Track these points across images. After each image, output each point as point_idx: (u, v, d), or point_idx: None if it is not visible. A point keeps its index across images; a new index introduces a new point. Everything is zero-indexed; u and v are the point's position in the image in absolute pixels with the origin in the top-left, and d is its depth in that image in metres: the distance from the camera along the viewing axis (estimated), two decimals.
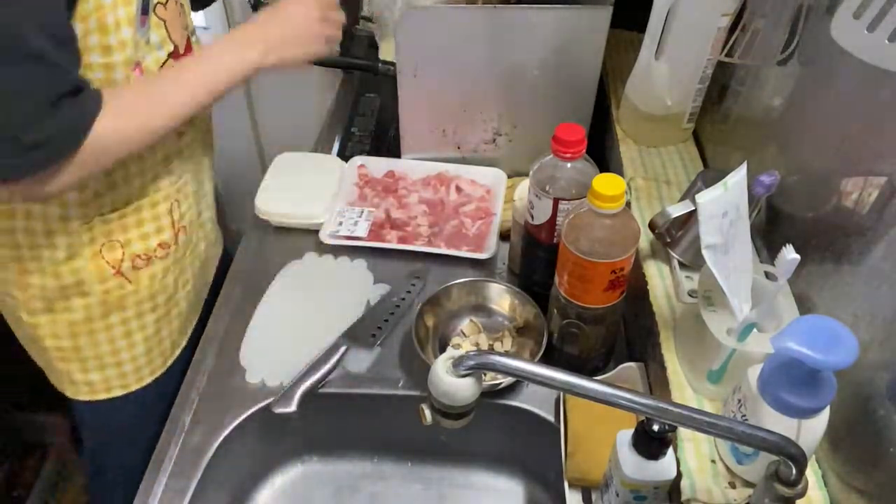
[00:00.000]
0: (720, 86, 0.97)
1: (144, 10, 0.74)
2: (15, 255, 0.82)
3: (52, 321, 0.87)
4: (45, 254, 0.82)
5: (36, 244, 0.81)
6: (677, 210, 0.81)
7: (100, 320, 0.89)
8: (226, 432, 0.84)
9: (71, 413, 1.00)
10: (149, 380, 0.96)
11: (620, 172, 0.97)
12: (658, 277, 0.84)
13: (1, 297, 0.89)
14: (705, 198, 0.60)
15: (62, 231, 0.81)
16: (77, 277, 0.84)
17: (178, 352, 1.00)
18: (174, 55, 0.81)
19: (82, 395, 0.94)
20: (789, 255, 0.59)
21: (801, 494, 0.53)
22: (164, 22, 0.79)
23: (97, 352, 0.91)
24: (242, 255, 1.07)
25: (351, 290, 0.99)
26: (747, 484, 0.65)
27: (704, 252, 0.62)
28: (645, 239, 0.87)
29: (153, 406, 0.95)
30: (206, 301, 1.06)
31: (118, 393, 0.95)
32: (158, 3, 0.77)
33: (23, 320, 0.88)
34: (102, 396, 0.94)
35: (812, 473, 0.64)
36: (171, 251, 0.92)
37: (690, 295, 0.80)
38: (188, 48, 0.85)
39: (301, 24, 0.85)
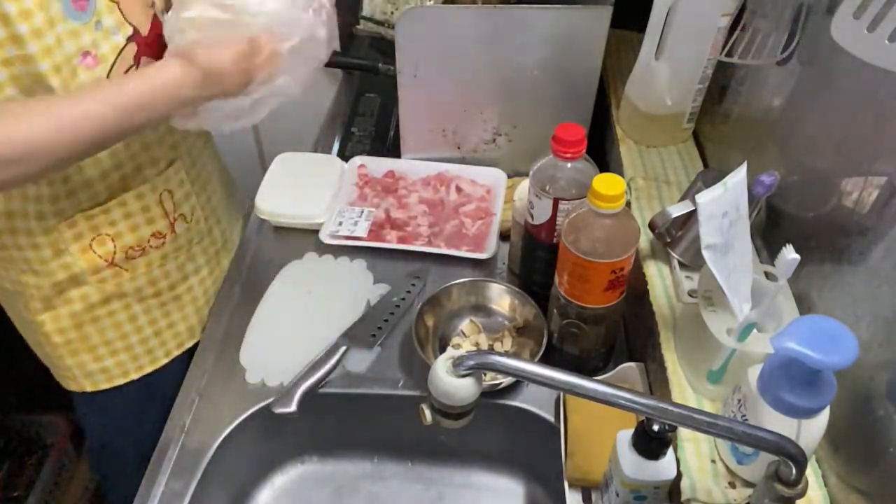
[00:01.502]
0: (720, 86, 0.97)
1: None
2: (6, 255, 0.82)
3: (54, 317, 0.87)
4: (31, 254, 0.82)
5: (19, 245, 0.81)
6: (677, 210, 0.81)
7: (101, 307, 0.89)
8: (226, 432, 0.84)
9: (72, 413, 1.00)
10: (164, 361, 0.98)
11: (620, 172, 0.97)
12: (658, 277, 0.84)
13: (7, 297, 0.89)
14: (705, 198, 0.60)
15: (40, 231, 0.80)
16: (69, 273, 0.84)
17: (199, 336, 1.00)
18: (135, 38, 0.77)
19: (102, 384, 0.94)
20: (789, 255, 0.59)
21: (801, 494, 0.53)
22: (117, 4, 0.75)
23: (105, 338, 0.91)
24: (242, 255, 1.07)
25: (351, 290, 0.99)
26: (747, 484, 0.65)
27: (704, 252, 0.62)
28: (645, 239, 0.87)
29: (169, 389, 0.95)
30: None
31: (134, 376, 0.96)
32: None
33: (28, 319, 0.88)
34: (120, 381, 0.95)
35: (812, 473, 0.64)
36: (167, 240, 0.90)
37: (690, 295, 0.80)
38: (155, 27, 0.80)
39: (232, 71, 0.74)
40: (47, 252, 0.82)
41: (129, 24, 0.77)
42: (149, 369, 0.97)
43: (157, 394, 0.96)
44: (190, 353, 0.98)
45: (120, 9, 0.75)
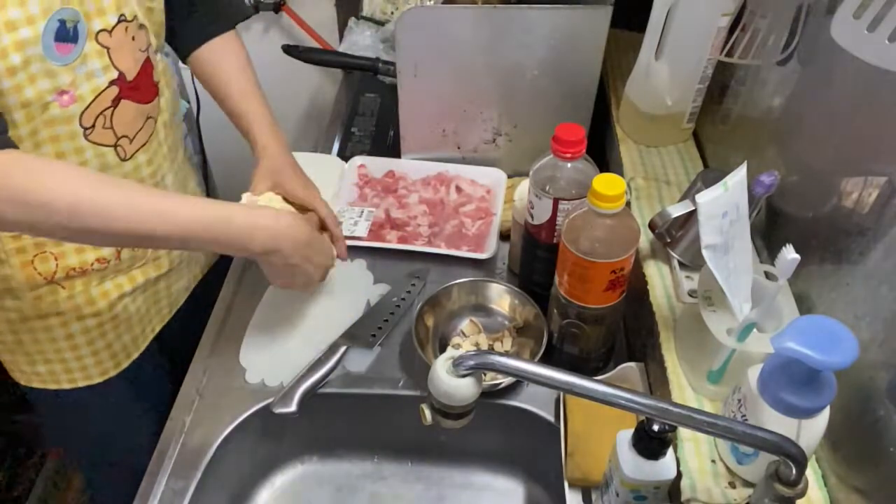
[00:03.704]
0: (720, 86, 0.97)
1: (64, 39, 0.71)
2: None
3: None
4: None
5: None
6: (677, 210, 0.81)
7: (37, 321, 0.87)
8: (226, 432, 0.84)
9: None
10: (98, 380, 0.95)
11: (620, 172, 0.97)
12: (658, 277, 0.84)
13: None
14: (705, 198, 0.60)
15: None
16: (6, 285, 0.83)
17: (135, 355, 0.97)
18: (119, 82, 0.78)
19: (34, 383, 0.94)
20: (789, 255, 0.59)
21: (801, 494, 0.53)
22: (108, 49, 0.76)
23: (39, 347, 0.90)
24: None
25: (351, 290, 0.99)
26: (747, 484, 0.65)
27: (704, 252, 0.62)
28: (645, 239, 0.87)
29: (105, 405, 0.97)
30: (201, 302, 1.05)
31: (66, 386, 0.94)
32: (102, 30, 0.75)
33: None
34: (52, 387, 0.94)
35: (812, 473, 0.64)
36: (110, 265, 0.88)
37: (690, 295, 0.80)
38: (144, 71, 0.82)
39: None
40: None
41: (116, 68, 0.78)
42: (82, 384, 0.94)
43: (92, 408, 0.97)
44: (124, 374, 0.96)
45: (109, 55, 0.77)
